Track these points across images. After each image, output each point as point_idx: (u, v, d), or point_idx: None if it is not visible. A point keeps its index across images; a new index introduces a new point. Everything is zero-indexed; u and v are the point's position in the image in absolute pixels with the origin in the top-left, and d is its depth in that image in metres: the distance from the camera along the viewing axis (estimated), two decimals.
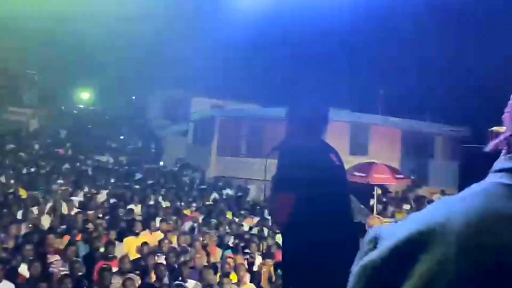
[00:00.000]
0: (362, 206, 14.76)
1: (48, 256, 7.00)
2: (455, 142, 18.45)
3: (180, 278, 6.69)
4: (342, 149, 16.78)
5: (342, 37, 20.51)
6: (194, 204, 12.50)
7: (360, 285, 0.71)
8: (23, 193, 11.29)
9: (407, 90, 19.47)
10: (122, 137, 24.17)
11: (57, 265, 6.73)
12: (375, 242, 0.71)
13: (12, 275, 6.10)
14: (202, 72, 22.52)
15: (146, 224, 9.16)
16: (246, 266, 8.03)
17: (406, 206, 14.07)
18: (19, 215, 9.21)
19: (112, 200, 11.89)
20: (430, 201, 15.22)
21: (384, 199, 14.68)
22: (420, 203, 15.03)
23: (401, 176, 13.91)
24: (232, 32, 20.04)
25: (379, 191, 13.77)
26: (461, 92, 16.61)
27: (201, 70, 22.33)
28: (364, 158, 16.08)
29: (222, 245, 9.05)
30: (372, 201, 13.85)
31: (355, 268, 0.73)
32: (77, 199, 11.18)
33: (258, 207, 14.07)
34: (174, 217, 10.54)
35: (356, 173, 13.42)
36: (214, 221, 10.61)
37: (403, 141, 18.05)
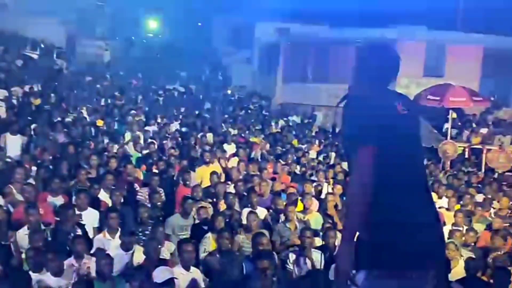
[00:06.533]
0: (434, 131, 14.17)
1: (136, 185, 7.53)
2: None
3: (249, 206, 6.94)
4: (416, 71, 15.99)
5: None
6: (260, 132, 12.66)
7: None
8: (101, 124, 11.96)
9: (492, 1, 17.56)
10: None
11: (144, 194, 7.25)
12: None
13: (95, 203, 6.53)
14: None
15: (216, 153, 9.40)
16: (313, 193, 8.15)
17: (484, 130, 13.26)
18: (99, 146, 9.86)
19: (183, 129, 12.35)
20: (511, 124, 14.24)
21: (459, 123, 13.92)
22: (500, 126, 14.12)
23: (480, 98, 13.03)
24: None
25: (454, 115, 13.05)
26: None
27: None
28: (440, 80, 15.14)
29: (289, 173, 9.18)
30: (446, 125, 13.23)
31: None
32: (152, 128, 11.70)
33: (325, 133, 14.03)
34: (242, 146, 10.79)
35: (430, 97, 12.77)
36: (280, 149, 10.73)
37: (485, 60, 16.61)
